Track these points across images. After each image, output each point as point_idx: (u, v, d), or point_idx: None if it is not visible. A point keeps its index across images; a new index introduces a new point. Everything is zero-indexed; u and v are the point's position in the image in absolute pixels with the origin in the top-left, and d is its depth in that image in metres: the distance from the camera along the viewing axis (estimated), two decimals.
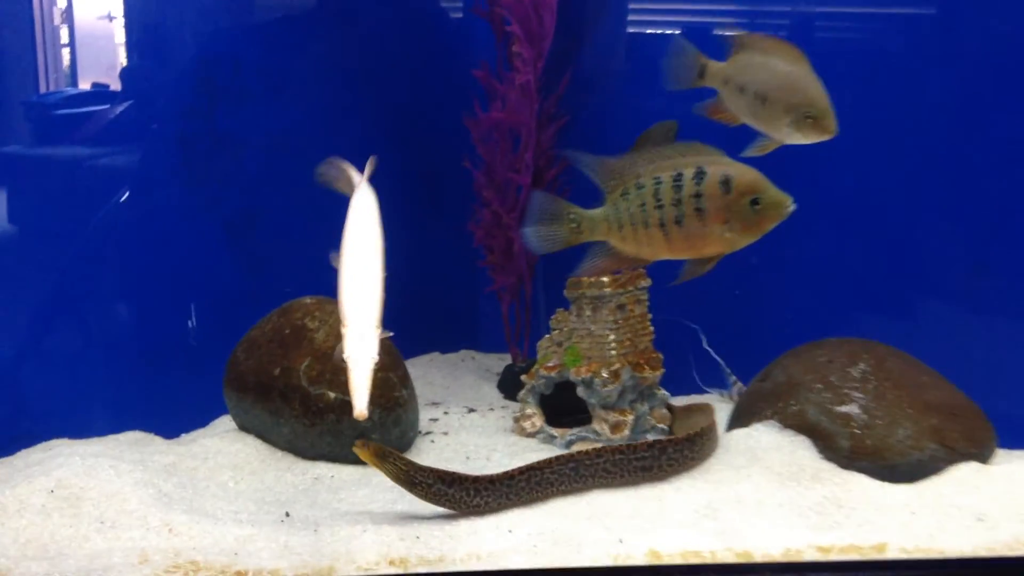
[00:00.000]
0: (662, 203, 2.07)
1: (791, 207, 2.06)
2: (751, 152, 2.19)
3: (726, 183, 2.05)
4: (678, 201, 2.06)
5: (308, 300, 2.77)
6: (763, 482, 2.34)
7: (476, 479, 2.19)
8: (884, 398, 2.46)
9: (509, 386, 3.38)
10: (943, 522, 2.21)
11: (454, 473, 2.18)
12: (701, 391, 3.29)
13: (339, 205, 2.23)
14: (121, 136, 3.11)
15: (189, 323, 3.14)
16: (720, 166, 2.07)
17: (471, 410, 3.17)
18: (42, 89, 3.06)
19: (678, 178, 2.07)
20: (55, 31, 3.01)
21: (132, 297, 3.14)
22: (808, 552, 2.04)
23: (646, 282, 2.78)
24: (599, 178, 2.15)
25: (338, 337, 2.64)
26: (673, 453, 2.36)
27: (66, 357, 3.09)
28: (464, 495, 2.18)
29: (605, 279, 2.69)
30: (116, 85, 3.10)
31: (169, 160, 3.11)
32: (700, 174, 2.06)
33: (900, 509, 2.27)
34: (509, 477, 2.22)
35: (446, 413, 3.12)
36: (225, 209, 3.15)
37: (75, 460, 2.31)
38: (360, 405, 1.91)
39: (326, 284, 2.18)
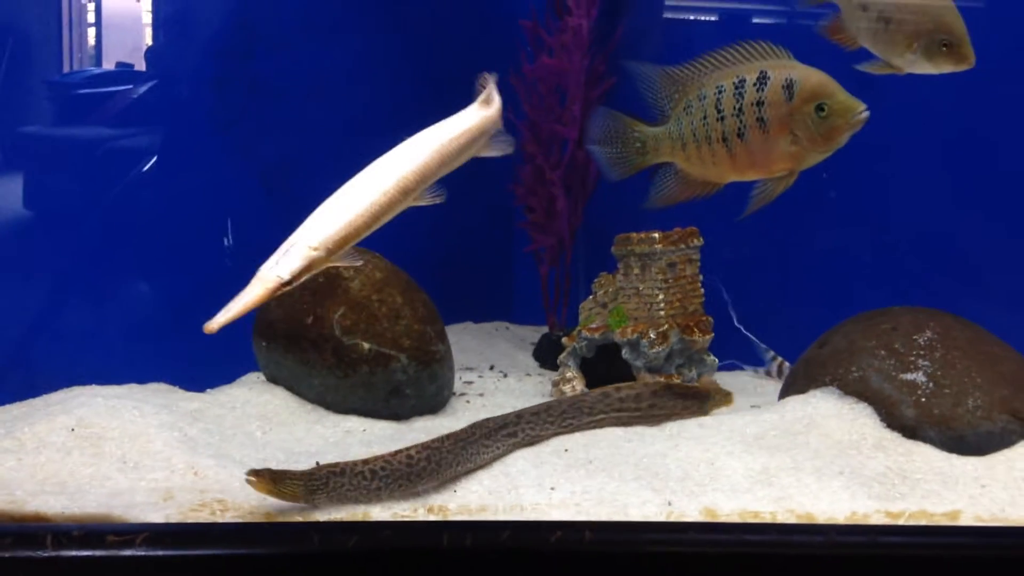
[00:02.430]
0: (723, 114, 1.91)
1: (863, 114, 1.88)
2: (864, 67, 2.00)
3: (789, 87, 1.89)
4: (739, 111, 1.89)
5: None
6: (822, 449, 2.20)
7: (365, 461, 1.87)
8: (953, 367, 2.31)
9: (545, 355, 3.26)
10: (1016, 497, 2.06)
11: (339, 463, 1.87)
12: (737, 368, 3.15)
13: (374, 152, 2.11)
14: (158, 82, 3.03)
15: (218, 273, 3.04)
16: (785, 69, 1.89)
17: (506, 375, 3.05)
18: (67, 68, 2.97)
19: (740, 85, 1.90)
20: (82, 9, 2.92)
21: (159, 248, 3.05)
22: (876, 518, 1.89)
23: (699, 241, 2.64)
24: (662, 91, 1.99)
25: (374, 286, 2.57)
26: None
27: (90, 307, 3.01)
28: (361, 480, 1.85)
29: (656, 235, 2.56)
30: (141, 65, 3.01)
31: (204, 106, 3.01)
32: (763, 79, 1.89)
33: (969, 482, 2.12)
34: (409, 457, 1.91)
35: (480, 377, 3.00)
36: (260, 157, 3.05)
37: (97, 401, 2.22)
38: (217, 317, 1.65)
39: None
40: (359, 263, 1.88)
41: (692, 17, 3.39)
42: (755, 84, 1.89)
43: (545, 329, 3.51)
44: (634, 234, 2.61)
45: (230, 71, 3.09)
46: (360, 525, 1.74)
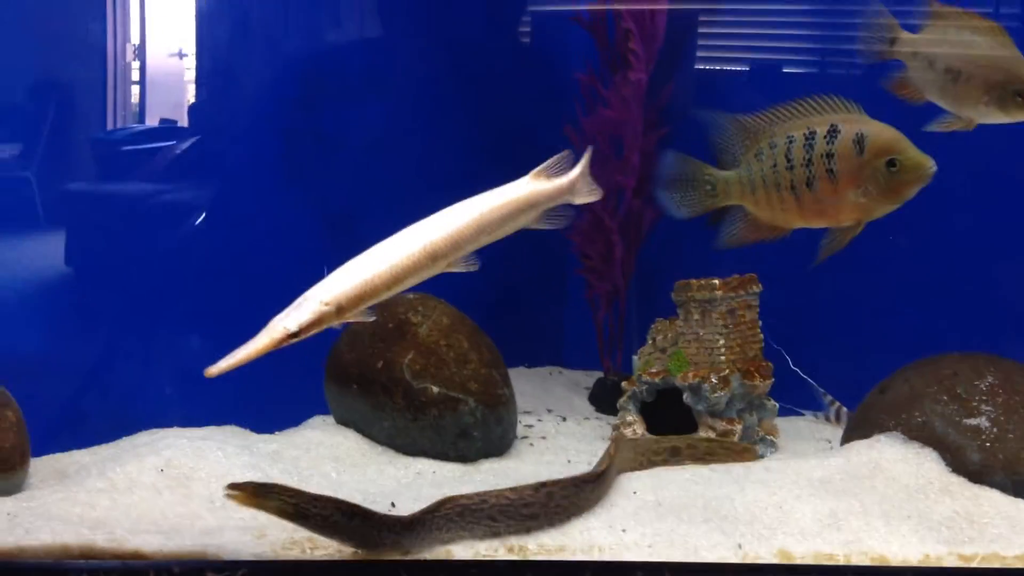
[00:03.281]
0: (793, 163, 1.98)
1: (932, 170, 1.95)
2: (934, 127, 2.08)
3: (860, 142, 1.95)
4: (809, 161, 1.97)
5: (411, 295, 2.74)
6: (889, 493, 2.23)
7: (384, 517, 1.85)
8: (1015, 412, 2.34)
9: (601, 399, 3.31)
10: None
11: (356, 505, 1.84)
12: (795, 413, 3.18)
13: (436, 202, 2.17)
14: (227, 132, 3.17)
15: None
16: (856, 124, 1.96)
17: (564, 419, 3.10)
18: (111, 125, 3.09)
19: (810, 136, 1.98)
20: (127, 67, 3.06)
21: (229, 295, 3.16)
22: (948, 560, 1.92)
23: (758, 287, 2.70)
24: (734, 138, 2.07)
25: (441, 332, 2.65)
26: (560, 499, 2.01)
27: (162, 353, 3.12)
28: (368, 530, 1.83)
29: (716, 281, 2.63)
30: (184, 122, 3.14)
31: (272, 157, 3.14)
32: (833, 132, 1.96)
33: None
34: (420, 519, 1.87)
35: (540, 420, 3.06)
36: (327, 206, 3.17)
37: (183, 442, 2.30)
38: (220, 363, 1.68)
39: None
40: (372, 319, 1.90)
41: (742, 68, 3.49)
42: (825, 137, 1.97)
43: (598, 374, 3.56)
44: (694, 281, 2.68)
45: (297, 122, 3.23)
46: (447, 564, 1.80)
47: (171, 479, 2.14)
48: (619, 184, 3.08)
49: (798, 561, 1.92)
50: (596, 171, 3.11)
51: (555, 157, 2.07)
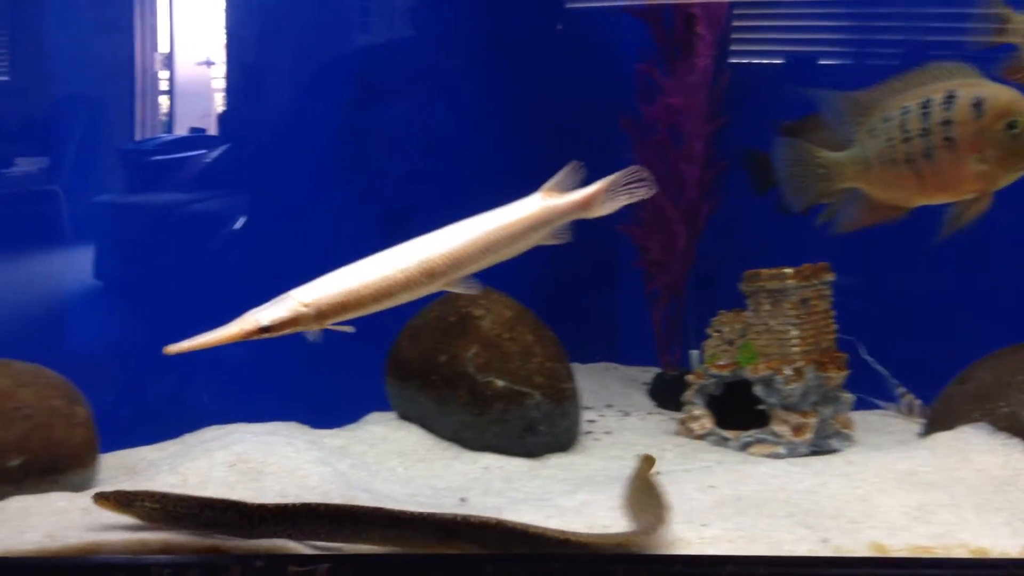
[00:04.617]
0: (909, 135, 1.88)
1: None
2: None
3: (978, 105, 1.85)
4: (925, 131, 1.86)
5: None
6: (978, 485, 2.15)
7: (260, 506, 1.78)
8: None
9: (662, 394, 3.25)
10: None
11: (226, 500, 1.80)
12: (871, 406, 3.09)
13: (489, 199, 2.11)
14: (282, 130, 3.15)
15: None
16: (974, 87, 1.86)
17: (627, 414, 3.04)
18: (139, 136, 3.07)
19: (926, 105, 1.88)
20: (155, 77, 3.06)
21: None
22: None
23: (830, 276, 2.62)
24: (845, 117, 1.98)
25: (504, 325, 2.60)
26: None
27: (221, 351, 3.10)
28: (243, 521, 1.77)
29: (788, 270, 2.55)
30: (214, 131, 3.12)
31: (328, 155, 3.12)
32: (950, 98, 1.86)
33: None
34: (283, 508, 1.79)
35: (602, 416, 3.00)
36: (383, 202, 3.14)
37: (250, 438, 2.28)
38: (181, 343, 1.66)
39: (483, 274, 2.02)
40: (351, 330, 1.83)
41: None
42: (942, 103, 1.87)
43: (654, 370, 3.49)
44: (764, 270, 2.61)
45: (353, 121, 3.20)
46: (528, 557, 1.75)
47: (242, 474, 2.11)
48: (681, 173, 3.02)
49: (891, 554, 1.84)
50: (657, 160, 3.07)
51: (564, 169, 1.93)
